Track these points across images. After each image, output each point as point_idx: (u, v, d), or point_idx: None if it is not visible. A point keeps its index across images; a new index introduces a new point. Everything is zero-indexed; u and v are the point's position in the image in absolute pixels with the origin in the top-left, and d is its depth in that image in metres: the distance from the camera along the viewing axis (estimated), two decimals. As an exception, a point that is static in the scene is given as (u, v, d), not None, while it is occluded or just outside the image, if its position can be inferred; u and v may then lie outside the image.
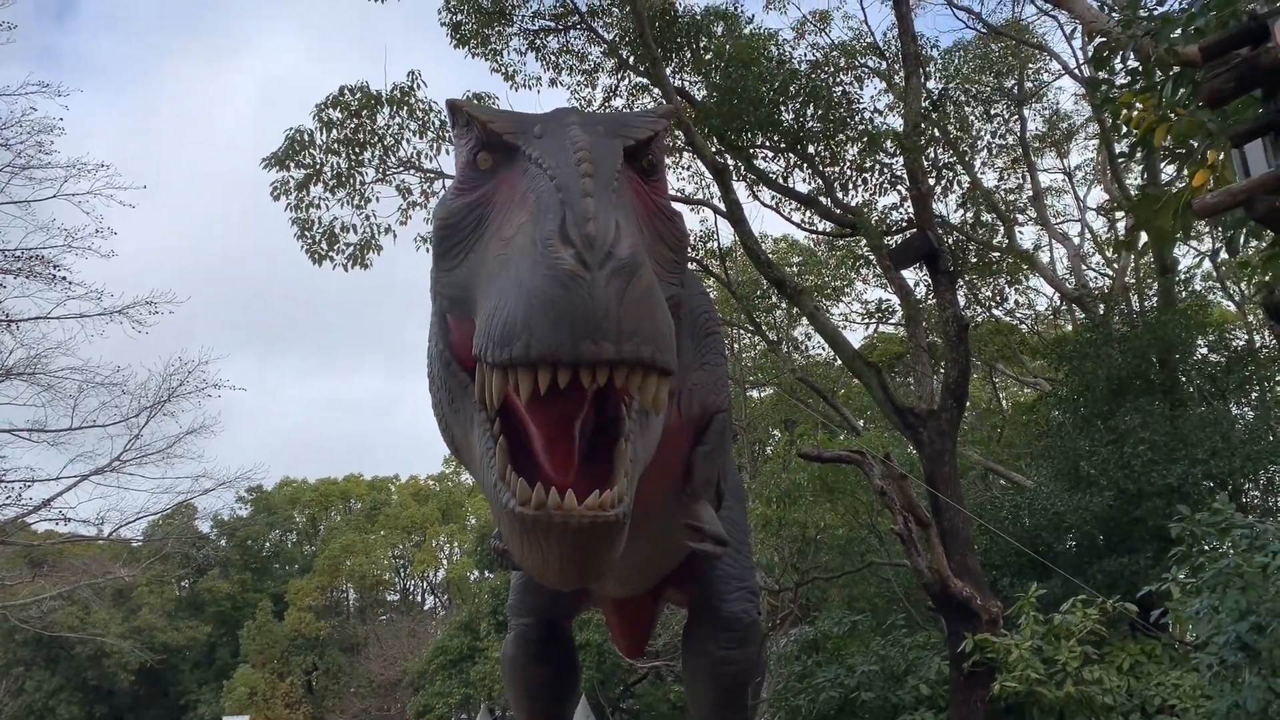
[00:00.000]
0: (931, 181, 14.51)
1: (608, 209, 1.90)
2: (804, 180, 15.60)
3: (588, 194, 1.91)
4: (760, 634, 4.57)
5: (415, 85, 15.55)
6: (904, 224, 15.36)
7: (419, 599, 47.67)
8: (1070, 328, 19.83)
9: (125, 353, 41.82)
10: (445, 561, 45.28)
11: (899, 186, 14.83)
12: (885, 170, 14.75)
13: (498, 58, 16.49)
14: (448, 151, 15.79)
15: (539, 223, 1.92)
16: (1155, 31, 5.66)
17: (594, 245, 1.84)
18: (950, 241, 15.50)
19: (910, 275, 13.71)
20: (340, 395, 75.06)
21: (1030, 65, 19.35)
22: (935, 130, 14.40)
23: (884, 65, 16.60)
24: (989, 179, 18.93)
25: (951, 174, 16.10)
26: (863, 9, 23.50)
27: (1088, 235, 22.94)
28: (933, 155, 15.10)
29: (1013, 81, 18.69)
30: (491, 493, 2.01)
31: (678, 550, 3.70)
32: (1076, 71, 18.70)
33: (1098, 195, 22.74)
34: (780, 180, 15.54)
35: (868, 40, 16.97)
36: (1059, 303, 21.01)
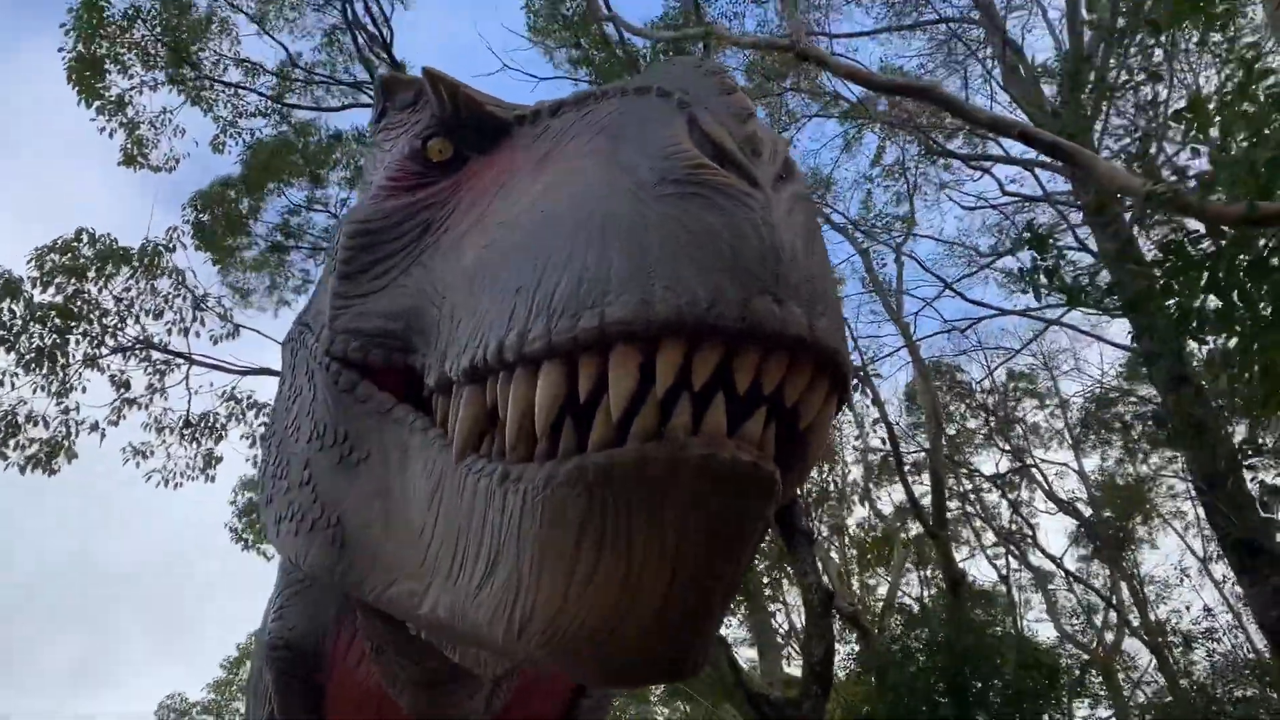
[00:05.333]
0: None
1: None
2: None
3: (729, 89, 1.28)
4: None
5: (172, 245, 12.87)
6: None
7: None
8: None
9: None
10: None
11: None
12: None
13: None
14: (198, 331, 13.02)
15: (632, 141, 1.22)
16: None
17: (760, 147, 1.20)
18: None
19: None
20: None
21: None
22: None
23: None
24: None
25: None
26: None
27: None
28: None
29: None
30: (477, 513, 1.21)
31: None
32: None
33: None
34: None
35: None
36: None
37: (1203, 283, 6.01)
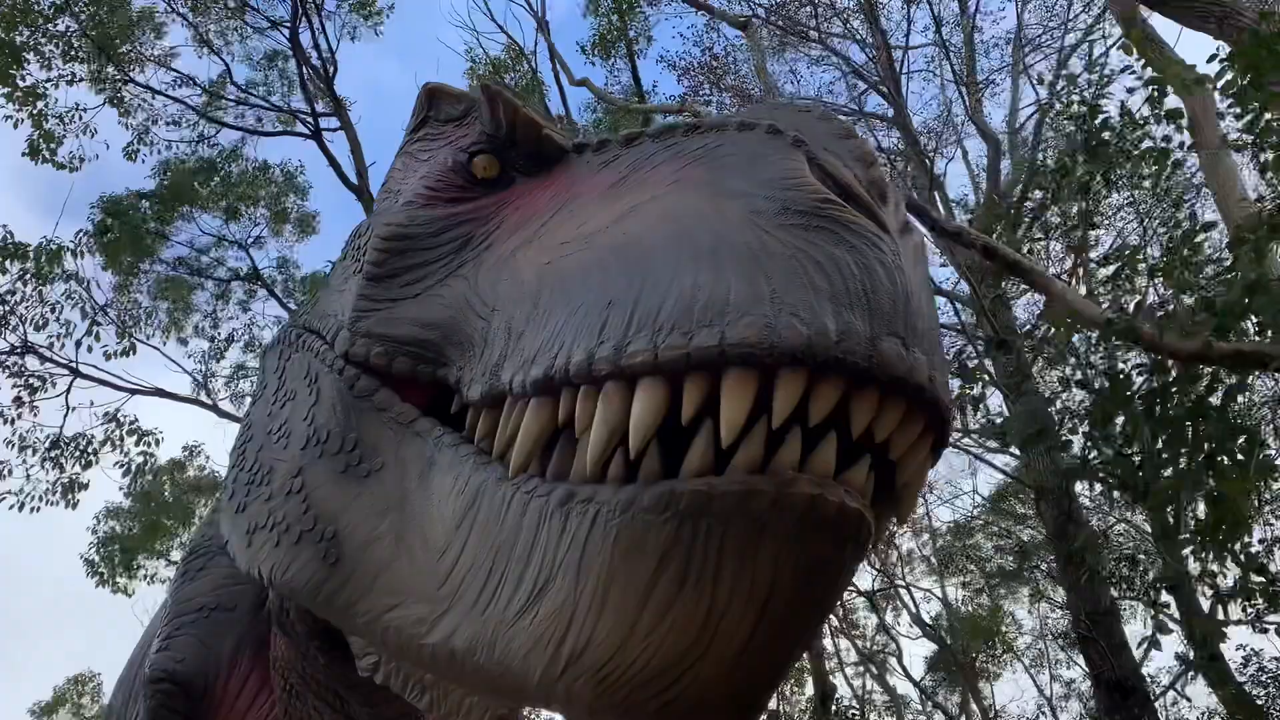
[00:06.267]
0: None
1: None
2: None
3: (849, 134, 1.28)
4: None
5: (79, 250, 11.93)
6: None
7: None
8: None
9: None
10: None
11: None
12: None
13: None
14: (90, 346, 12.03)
15: (740, 171, 1.20)
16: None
17: (886, 193, 1.20)
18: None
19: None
20: None
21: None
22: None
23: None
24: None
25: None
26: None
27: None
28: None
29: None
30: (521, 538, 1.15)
31: None
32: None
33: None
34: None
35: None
36: None
37: (1141, 415, 6.23)
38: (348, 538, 1.44)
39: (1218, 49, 6.98)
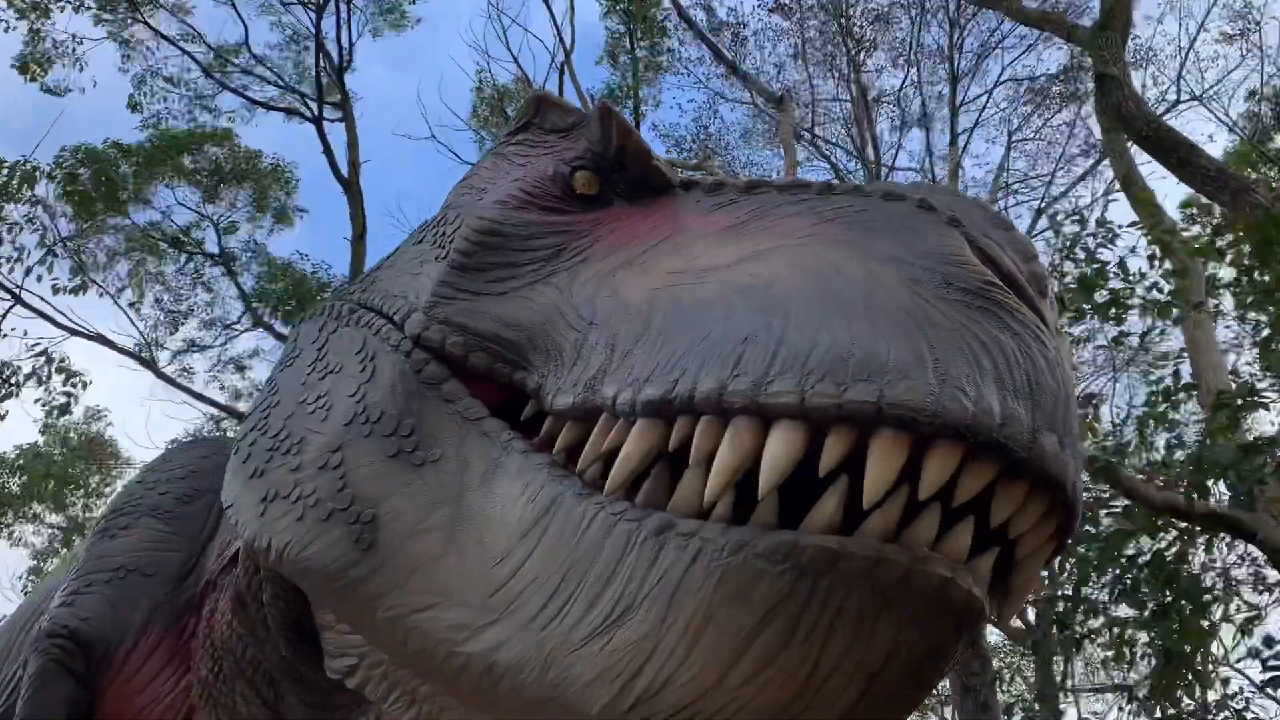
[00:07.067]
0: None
1: None
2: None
3: (1009, 225, 1.26)
4: None
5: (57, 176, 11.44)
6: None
7: None
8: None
9: None
10: None
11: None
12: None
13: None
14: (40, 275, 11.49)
15: (890, 238, 1.19)
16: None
17: (1046, 290, 1.20)
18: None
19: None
20: None
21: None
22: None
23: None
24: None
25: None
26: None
27: None
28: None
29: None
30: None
31: None
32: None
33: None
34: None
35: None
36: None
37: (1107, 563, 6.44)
38: (388, 524, 1.37)
39: (1189, 197, 7.43)
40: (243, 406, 16.26)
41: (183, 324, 16.22)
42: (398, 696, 1.48)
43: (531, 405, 1.38)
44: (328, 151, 14.96)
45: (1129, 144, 11.69)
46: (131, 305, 14.60)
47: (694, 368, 1.12)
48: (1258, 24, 16.70)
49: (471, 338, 1.48)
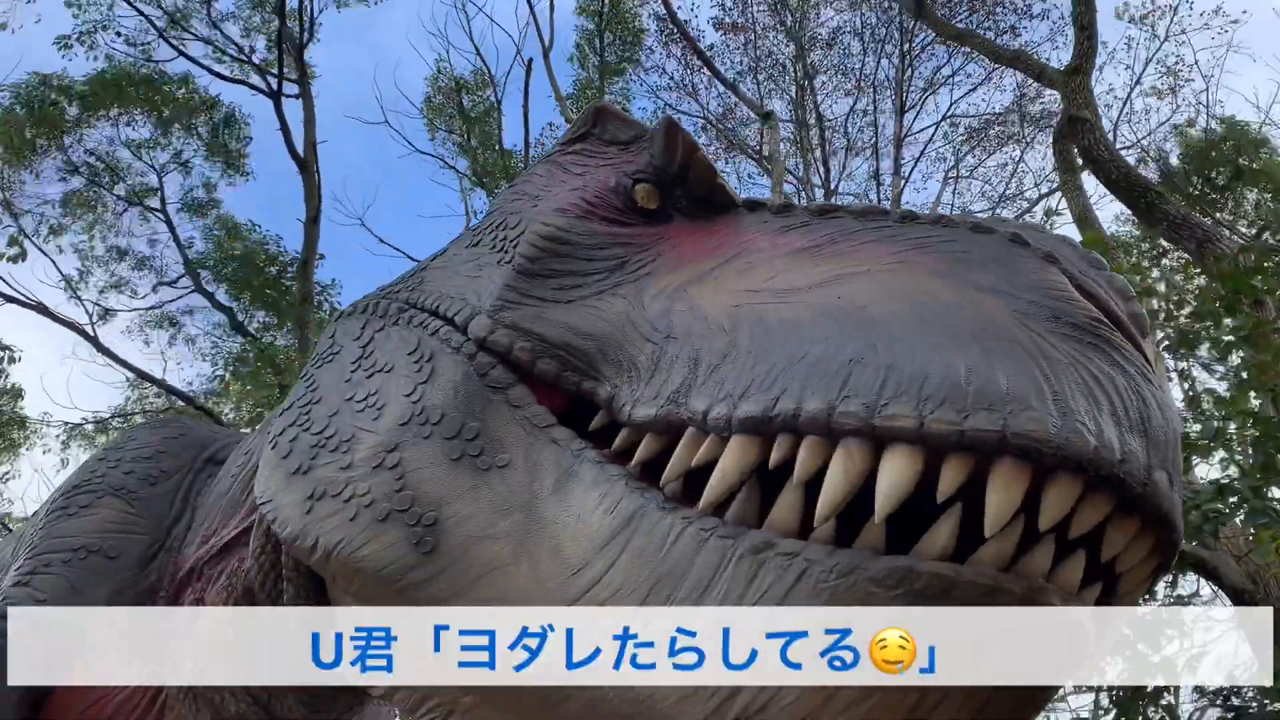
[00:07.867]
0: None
1: None
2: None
3: (1103, 265, 1.28)
4: None
5: None
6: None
7: None
8: None
9: None
10: None
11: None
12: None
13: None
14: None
15: (987, 270, 1.19)
16: None
17: (1145, 330, 1.22)
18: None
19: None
20: None
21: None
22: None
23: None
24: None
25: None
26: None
27: None
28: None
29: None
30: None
31: None
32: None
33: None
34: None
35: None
36: None
37: None
38: (452, 529, 1.34)
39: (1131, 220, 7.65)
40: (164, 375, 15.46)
41: (114, 266, 15.48)
42: (434, 706, 1.40)
43: (602, 415, 1.36)
44: (284, 129, 14.44)
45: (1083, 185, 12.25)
46: (52, 240, 13.92)
47: (795, 387, 1.10)
48: (1187, 80, 17.66)
49: (540, 344, 1.46)
